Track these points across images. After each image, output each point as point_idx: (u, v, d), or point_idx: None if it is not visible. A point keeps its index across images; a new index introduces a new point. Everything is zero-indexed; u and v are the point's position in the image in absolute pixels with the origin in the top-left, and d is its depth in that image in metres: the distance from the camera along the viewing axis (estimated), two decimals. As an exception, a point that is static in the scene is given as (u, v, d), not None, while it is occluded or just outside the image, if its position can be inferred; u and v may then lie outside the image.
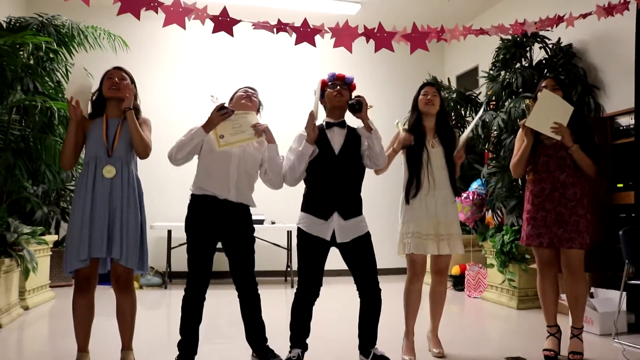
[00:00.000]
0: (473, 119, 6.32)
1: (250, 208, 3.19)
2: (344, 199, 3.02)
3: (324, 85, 3.13)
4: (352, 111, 2.99)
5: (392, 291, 3.82)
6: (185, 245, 3.10)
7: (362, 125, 3.01)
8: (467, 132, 3.46)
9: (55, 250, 5.66)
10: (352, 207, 3.04)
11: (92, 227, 2.77)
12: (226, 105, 3.02)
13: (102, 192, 2.82)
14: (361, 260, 3.05)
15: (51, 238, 5.44)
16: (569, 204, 3.32)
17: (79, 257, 2.76)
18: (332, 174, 3.01)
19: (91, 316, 2.94)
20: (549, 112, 3.25)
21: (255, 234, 3.19)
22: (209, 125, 2.95)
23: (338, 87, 3.07)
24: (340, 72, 3.11)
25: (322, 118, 3.17)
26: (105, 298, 3.65)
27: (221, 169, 3.05)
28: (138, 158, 2.99)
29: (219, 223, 3.04)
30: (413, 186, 3.29)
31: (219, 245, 3.11)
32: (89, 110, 3.00)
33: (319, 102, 3.12)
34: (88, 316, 2.92)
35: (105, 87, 2.95)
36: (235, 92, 3.27)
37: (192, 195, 3.11)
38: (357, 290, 3.09)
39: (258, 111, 3.28)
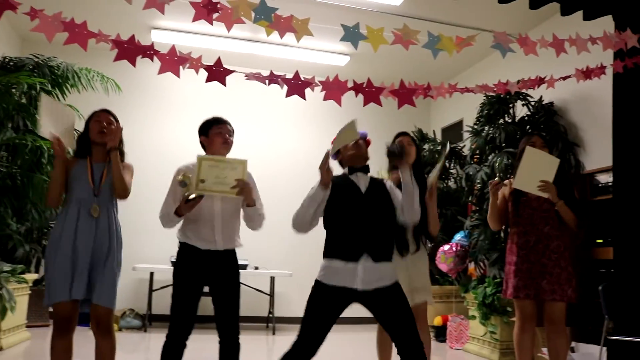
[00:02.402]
0: (457, 171, 6.44)
1: (237, 249, 3.14)
2: (374, 239, 2.69)
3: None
4: (392, 157, 2.79)
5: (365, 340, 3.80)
6: (167, 288, 3.08)
7: (392, 175, 2.84)
8: (435, 171, 3.39)
9: (34, 289, 5.58)
10: (383, 250, 2.70)
11: (75, 268, 2.78)
12: (193, 192, 2.83)
13: (87, 233, 2.84)
14: (391, 314, 2.64)
15: (31, 277, 5.36)
16: (553, 256, 3.38)
17: (59, 296, 2.76)
18: (360, 212, 2.71)
19: (69, 359, 2.91)
20: (534, 170, 3.32)
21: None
22: (180, 212, 2.89)
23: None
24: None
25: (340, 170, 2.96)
26: (83, 339, 3.60)
27: (206, 220, 2.98)
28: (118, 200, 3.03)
29: (206, 271, 2.99)
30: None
31: (206, 288, 3.08)
32: (74, 147, 3.04)
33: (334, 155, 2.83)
34: (66, 358, 2.89)
35: (93, 131, 2.97)
36: (211, 128, 3.07)
37: (180, 243, 3.06)
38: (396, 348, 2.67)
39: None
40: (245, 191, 2.85)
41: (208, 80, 2.84)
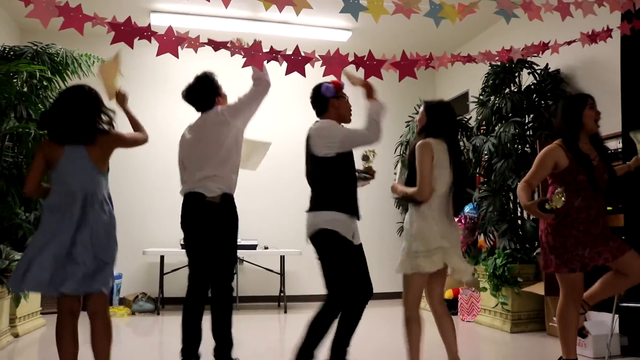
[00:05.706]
0: (464, 143, 6.37)
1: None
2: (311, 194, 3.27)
3: (337, 88, 3.35)
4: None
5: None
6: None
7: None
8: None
9: (46, 277, 5.62)
10: (310, 202, 3.26)
11: (58, 261, 2.65)
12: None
13: (70, 222, 2.71)
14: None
15: (43, 265, 5.40)
16: (607, 224, 3.27)
17: (28, 285, 2.68)
18: (354, 173, 3.32)
19: (76, 347, 2.84)
20: None
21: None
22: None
23: (347, 97, 3.41)
24: (334, 80, 3.21)
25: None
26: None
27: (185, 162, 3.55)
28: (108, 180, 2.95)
29: (188, 219, 3.30)
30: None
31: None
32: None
33: None
34: (73, 347, 2.82)
35: None
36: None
37: None
38: None
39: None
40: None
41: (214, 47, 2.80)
